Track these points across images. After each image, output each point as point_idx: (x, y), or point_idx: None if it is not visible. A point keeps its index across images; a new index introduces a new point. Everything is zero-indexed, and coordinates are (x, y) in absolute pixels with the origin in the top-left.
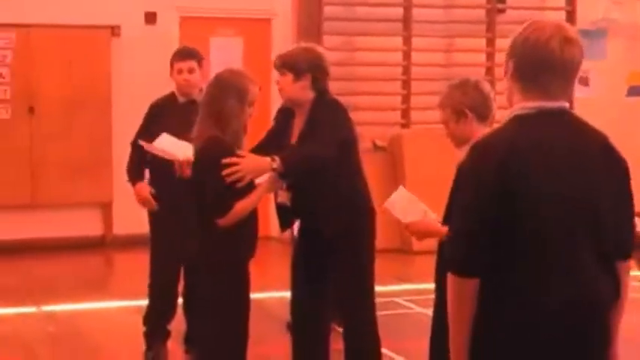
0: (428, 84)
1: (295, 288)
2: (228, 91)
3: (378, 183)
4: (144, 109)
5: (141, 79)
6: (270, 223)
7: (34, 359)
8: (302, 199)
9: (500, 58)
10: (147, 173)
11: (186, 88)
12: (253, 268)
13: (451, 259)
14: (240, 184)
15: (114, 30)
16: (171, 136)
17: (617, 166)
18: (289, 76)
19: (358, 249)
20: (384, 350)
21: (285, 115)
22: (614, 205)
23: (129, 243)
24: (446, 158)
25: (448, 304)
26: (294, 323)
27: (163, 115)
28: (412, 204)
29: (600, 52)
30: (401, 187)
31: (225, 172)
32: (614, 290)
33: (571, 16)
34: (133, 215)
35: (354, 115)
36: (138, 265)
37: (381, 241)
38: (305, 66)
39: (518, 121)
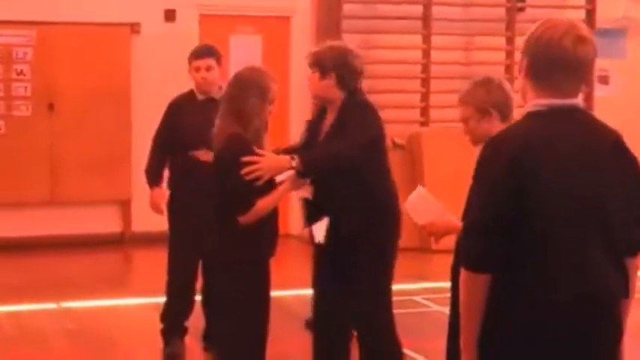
0: (447, 82)
1: (317, 286)
2: (250, 89)
3: (397, 181)
4: (163, 107)
5: (160, 76)
6: (289, 221)
7: (52, 355)
8: (323, 196)
9: (520, 56)
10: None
11: (205, 86)
12: (272, 266)
13: (464, 255)
14: (259, 183)
15: (134, 27)
16: None
17: (628, 164)
18: (316, 74)
19: (377, 249)
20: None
21: (320, 112)
22: (624, 203)
23: (147, 240)
24: (465, 156)
25: (460, 298)
26: (315, 321)
27: (182, 113)
28: (430, 204)
29: (620, 51)
30: (419, 187)
31: (244, 170)
32: (624, 287)
33: (591, 15)
34: (151, 212)
35: None
36: (156, 263)
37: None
38: (330, 64)
39: (531, 118)
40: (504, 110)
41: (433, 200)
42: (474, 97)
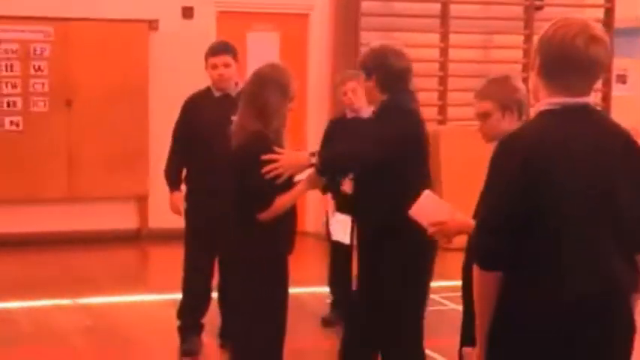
0: (465, 81)
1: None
2: (270, 86)
3: None
4: (180, 103)
5: (178, 73)
6: (306, 219)
7: (69, 351)
8: (355, 192)
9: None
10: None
11: (221, 83)
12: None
13: (475, 253)
14: (279, 180)
15: (151, 24)
16: None
17: (638, 162)
18: (362, 76)
19: (399, 248)
20: None
21: None
22: (635, 200)
23: (164, 236)
24: (482, 155)
25: (474, 294)
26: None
27: (199, 110)
28: (439, 205)
29: (638, 50)
30: (426, 191)
31: (265, 169)
32: (634, 282)
33: (609, 14)
34: (168, 209)
35: None
36: (173, 259)
37: None
38: (371, 66)
39: (545, 117)
40: (522, 109)
41: (441, 201)
42: (497, 93)
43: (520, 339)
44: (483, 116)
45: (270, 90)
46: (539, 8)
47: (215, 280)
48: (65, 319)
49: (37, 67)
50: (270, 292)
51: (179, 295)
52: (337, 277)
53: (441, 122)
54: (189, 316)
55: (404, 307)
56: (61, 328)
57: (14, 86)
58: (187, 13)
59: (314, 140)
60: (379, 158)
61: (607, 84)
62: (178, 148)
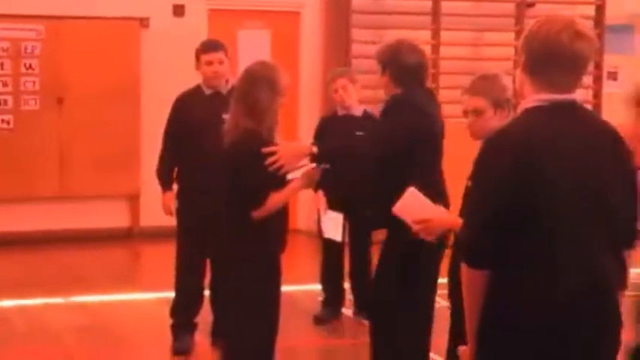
0: (456, 78)
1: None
2: (261, 84)
3: None
4: (172, 101)
5: (169, 71)
6: (297, 216)
7: (62, 349)
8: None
9: (519, 52)
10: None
11: (215, 80)
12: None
13: (462, 250)
14: (281, 173)
15: (142, 22)
16: None
17: (626, 158)
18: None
19: (395, 244)
20: None
21: None
22: (623, 196)
23: (156, 235)
24: (472, 152)
25: (463, 291)
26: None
27: (189, 108)
28: (423, 202)
29: (629, 47)
30: (410, 188)
31: (268, 161)
32: (621, 278)
33: (600, 11)
34: (160, 207)
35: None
36: (165, 257)
37: None
38: (385, 61)
39: (531, 114)
40: (510, 107)
41: (425, 199)
42: (491, 90)
43: (512, 338)
44: (474, 113)
45: (260, 88)
46: (530, 5)
47: (207, 279)
48: (58, 317)
49: (28, 65)
50: (262, 290)
51: (171, 294)
52: (329, 275)
53: None
54: (182, 314)
55: (399, 309)
56: (53, 326)
57: (5, 84)
58: (178, 10)
59: (306, 137)
60: (377, 152)
61: (598, 81)
62: (170, 147)
